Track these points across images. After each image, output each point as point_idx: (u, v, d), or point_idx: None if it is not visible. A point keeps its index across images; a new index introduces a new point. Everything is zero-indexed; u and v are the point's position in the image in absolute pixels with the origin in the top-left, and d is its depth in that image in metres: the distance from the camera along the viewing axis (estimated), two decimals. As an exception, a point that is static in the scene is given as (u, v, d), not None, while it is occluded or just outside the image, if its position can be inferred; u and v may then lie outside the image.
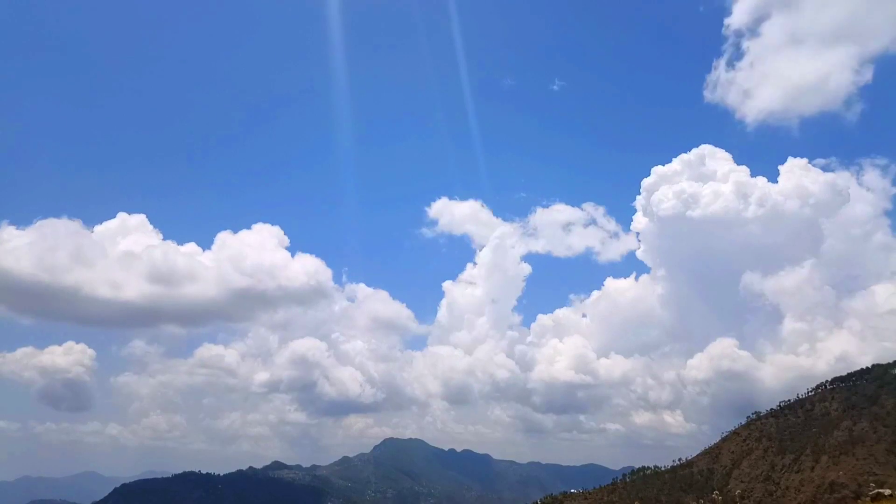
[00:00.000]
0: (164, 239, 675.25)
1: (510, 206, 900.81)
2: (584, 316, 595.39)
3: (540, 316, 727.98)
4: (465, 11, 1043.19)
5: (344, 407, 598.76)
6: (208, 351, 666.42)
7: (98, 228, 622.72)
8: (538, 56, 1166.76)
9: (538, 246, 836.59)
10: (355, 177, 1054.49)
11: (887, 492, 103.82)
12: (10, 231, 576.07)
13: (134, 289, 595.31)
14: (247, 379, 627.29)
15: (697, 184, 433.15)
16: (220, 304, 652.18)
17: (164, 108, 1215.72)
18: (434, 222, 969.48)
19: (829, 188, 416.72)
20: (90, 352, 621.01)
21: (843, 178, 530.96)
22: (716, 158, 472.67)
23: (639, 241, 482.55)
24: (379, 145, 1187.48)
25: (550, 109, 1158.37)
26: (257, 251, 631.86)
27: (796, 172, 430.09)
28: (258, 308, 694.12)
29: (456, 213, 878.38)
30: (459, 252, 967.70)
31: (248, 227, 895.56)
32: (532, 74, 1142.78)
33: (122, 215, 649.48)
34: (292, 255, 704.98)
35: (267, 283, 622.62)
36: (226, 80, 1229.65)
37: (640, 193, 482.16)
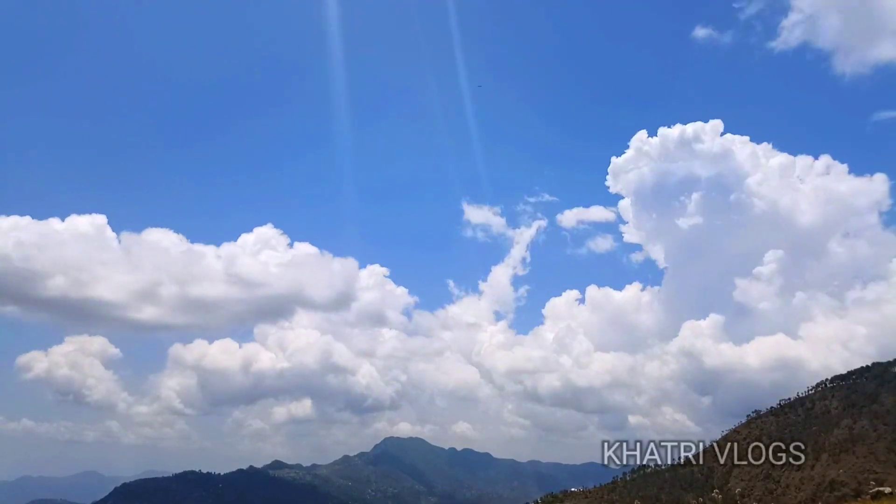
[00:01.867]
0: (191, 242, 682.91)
1: (528, 210, 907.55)
2: (588, 315, 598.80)
3: (546, 312, 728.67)
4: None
5: (346, 406, 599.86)
6: (209, 350, 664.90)
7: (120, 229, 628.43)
8: (545, 52, 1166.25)
9: (550, 247, 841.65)
10: (360, 183, 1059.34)
11: (887, 490, 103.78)
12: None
13: (145, 290, 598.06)
14: (247, 379, 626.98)
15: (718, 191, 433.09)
16: (235, 304, 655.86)
17: (170, 110, 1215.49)
18: (458, 228, 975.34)
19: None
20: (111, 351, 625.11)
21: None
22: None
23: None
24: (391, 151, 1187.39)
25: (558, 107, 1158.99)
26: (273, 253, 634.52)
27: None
28: (272, 310, 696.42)
29: (476, 218, 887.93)
30: (473, 253, 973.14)
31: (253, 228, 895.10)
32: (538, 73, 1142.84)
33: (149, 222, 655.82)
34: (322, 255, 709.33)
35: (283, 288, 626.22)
36: (224, 76, 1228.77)
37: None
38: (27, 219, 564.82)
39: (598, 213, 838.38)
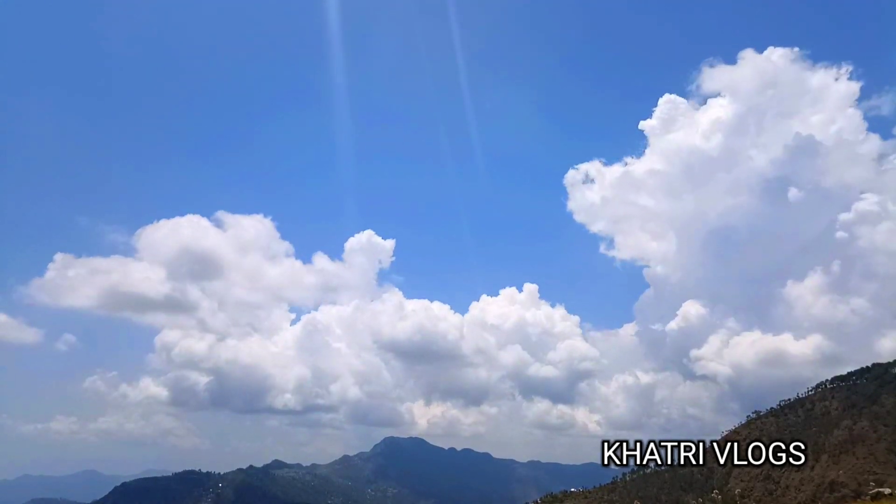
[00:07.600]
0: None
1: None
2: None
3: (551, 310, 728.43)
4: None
5: (346, 405, 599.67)
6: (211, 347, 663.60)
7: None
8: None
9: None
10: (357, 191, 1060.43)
11: (887, 491, 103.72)
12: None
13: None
14: (246, 378, 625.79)
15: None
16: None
17: (175, 112, 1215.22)
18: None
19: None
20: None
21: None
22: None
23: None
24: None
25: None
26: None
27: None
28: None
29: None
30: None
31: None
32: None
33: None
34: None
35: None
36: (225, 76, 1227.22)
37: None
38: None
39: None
